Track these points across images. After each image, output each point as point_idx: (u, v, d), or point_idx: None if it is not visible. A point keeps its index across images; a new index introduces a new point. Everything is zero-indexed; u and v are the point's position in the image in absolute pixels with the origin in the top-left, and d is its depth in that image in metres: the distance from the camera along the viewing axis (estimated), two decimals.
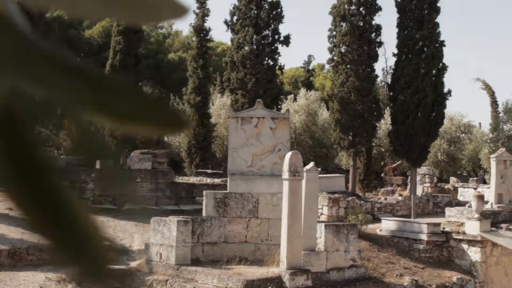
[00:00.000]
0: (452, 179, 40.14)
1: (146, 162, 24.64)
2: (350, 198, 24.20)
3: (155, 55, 56.18)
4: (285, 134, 17.91)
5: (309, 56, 66.73)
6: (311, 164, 17.12)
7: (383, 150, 40.01)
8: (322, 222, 18.12)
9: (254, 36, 32.21)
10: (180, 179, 29.26)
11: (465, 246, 19.23)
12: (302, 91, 45.91)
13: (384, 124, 39.50)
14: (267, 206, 17.37)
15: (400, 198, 27.74)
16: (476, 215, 19.10)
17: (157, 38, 61.16)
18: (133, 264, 16.65)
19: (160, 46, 59.29)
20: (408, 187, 31.70)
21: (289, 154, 15.29)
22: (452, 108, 62.75)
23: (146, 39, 47.68)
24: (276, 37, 32.89)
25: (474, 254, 19.00)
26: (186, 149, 36.56)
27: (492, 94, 35.47)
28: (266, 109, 19.28)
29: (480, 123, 53.00)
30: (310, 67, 66.21)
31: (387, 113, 37.80)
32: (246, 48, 32.37)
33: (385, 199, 27.37)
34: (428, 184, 35.40)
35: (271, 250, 16.66)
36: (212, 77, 42.39)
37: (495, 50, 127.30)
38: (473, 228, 19.05)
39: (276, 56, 33.02)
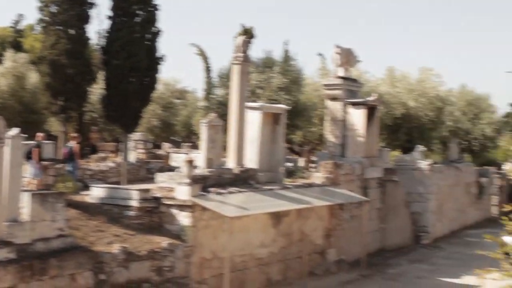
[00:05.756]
0: (166, 145, 40.59)
1: None
2: (59, 165, 23.20)
3: None
4: None
5: (19, 15, 62.94)
6: (15, 130, 15.84)
7: (96, 115, 39.11)
8: (28, 191, 17.00)
9: None
10: None
11: (175, 211, 19.26)
12: (10, 52, 43.41)
13: (99, 89, 38.57)
14: None
15: (112, 164, 27.24)
16: (186, 180, 19.20)
17: None
18: None
19: None
20: (121, 153, 31.29)
21: None
22: (167, 73, 63.66)
23: None
24: None
25: (184, 218, 19.11)
26: None
27: (206, 59, 36.15)
28: None
29: (194, 89, 54.24)
30: (20, 27, 62.49)
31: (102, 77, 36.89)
32: None
33: (97, 166, 26.70)
34: (142, 150, 35.37)
35: None
36: None
37: (209, 17, 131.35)
38: (183, 193, 19.14)
39: None
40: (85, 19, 30.60)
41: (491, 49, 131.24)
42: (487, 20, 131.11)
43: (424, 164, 33.89)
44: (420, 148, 34.82)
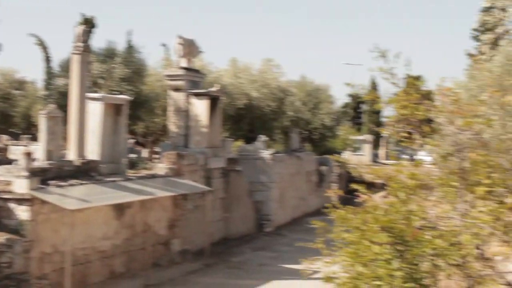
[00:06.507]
0: (4, 137, 39.13)
1: None
2: None
3: None
4: None
5: None
6: None
7: None
8: None
9: None
10: None
11: (13, 205, 18.65)
12: None
13: None
14: None
15: None
16: (25, 173, 18.65)
17: None
18: None
19: None
20: None
21: None
22: (4, 63, 60.96)
23: None
24: None
25: (23, 212, 18.56)
26: None
27: (45, 49, 35.17)
28: None
29: (34, 79, 52.42)
30: None
31: None
32: None
33: None
34: None
35: None
36: None
37: (50, 6, 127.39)
38: (21, 186, 18.58)
39: None
40: None
41: (329, 41, 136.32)
42: (325, 12, 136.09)
43: (266, 153, 34.70)
44: (262, 138, 35.61)
